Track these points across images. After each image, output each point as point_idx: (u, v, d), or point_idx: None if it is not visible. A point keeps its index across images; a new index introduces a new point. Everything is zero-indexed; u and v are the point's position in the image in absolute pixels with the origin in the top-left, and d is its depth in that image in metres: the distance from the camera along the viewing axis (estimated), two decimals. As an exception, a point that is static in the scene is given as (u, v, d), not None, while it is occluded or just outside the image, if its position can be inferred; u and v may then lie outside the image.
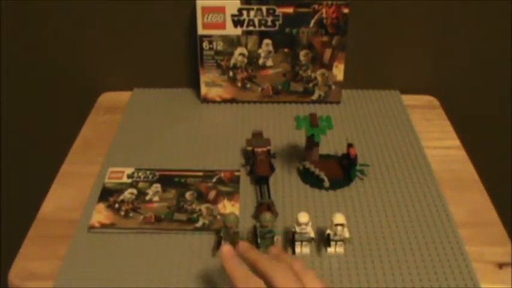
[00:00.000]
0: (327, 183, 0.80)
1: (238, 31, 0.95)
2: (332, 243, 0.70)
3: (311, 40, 0.96)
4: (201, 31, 0.95)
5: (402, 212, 0.77)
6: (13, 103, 1.11)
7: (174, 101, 1.04)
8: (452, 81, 1.08)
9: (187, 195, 0.79)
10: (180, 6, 0.98)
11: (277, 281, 0.50)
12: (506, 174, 1.18)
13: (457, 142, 0.94)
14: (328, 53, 0.97)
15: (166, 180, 0.82)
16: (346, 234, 0.70)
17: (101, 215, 0.75)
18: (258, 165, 0.82)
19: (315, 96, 1.01)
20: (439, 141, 0.94)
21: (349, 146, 0.83)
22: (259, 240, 0.68)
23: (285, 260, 0.55)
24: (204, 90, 1.01)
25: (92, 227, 0.74)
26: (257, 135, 0.89)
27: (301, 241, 0.70)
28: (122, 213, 0.76)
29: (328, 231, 0.69)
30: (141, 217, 0.75)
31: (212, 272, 0.67)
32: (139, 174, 0.83)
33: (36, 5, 0.99)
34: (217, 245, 0.69)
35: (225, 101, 1.02)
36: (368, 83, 1.07)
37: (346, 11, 0.94)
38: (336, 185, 0.81)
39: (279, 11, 0.94)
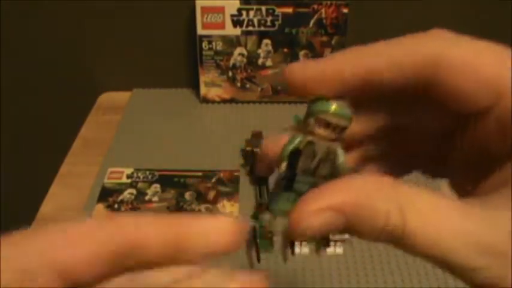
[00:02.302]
0: (326, 183, 0.80)
1: (237, 31, 0.95)
2: (331, 243, 0.70)
3: (310, 40, 0.96)
4: (200, 31, 0.96)
5: (402, 212, 0.77)
6: (13, 103, 1.11)
7: (174, 101, 1.04)
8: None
9: (187, 195, 0.79)
10: (179, 6, 0.98)
11: None
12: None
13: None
14: (327, 53, 0.97)
15: (166, 181, 0.82)
16: (346, 235, 0.70)
17: (100, 215, 0.75)
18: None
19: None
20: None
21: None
22: (258, 241, 0.68)
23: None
24: (203, 90, 1.01)
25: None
26: (256, 135, 0.89)
27: (301, 241, 0.70)
28: (121, 213, 0.76)
29: (328, 232, 0.69)
30: (141, 217, 0.75)
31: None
32: (139, 174, 0.83)
33: (36, 5, 0.99)
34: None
35: (224, 101, 1.02)
36: (368, 83, 1.07)
37: (345, 11, 0.94)
38: (335, 185, 0.81)
39: (279, 11, 0.94)
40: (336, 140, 0.27)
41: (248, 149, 0.85)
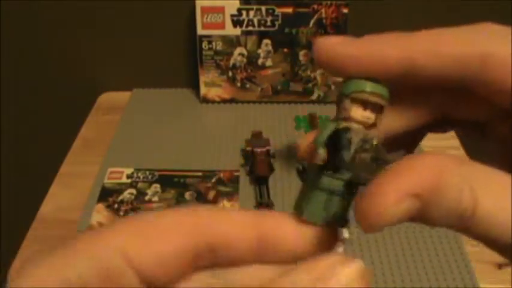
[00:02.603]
0: (326, 183, 0.80)
1: (237, 31, 0.95)
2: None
3: (310, 40, 0.96)
4: (200, 31, 0.96)
5: (402, 212, 0.77)
6: (13, 103, 1.11)
7: (174, 101, 1.03)
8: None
9: (187, 195, 0.79)
10: (179, 6, 0.98)
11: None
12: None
13: (457, 142, 0.94)
14: (327, 53, 0.97)
15: (166, 181, 0.82)
16: (346, 235, 0.70)
17: (100, 215, 0.75)
18: (258, 165, 0.82)
19: (314, 96, 1.01)
20: (439, 141, 0.94)
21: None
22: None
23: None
24: (203, 90, 1.01)
25: (91, 228, 0.74)
26: (256, 135, 0.89)
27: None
28: (121, 213, 0.76)
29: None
30: (141, 217, 0.75)
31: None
32: (139, 174, 0.83)
33: (36, 5, 0.99)
34: None
35: (224, 101, 1.02)
36: (368, 83, 1.07)
37: (345, 11, 0.94)
38: (335, 185, 0.81)
39: (278, 11, 0.94)
40: (372, 126, 0.24)
41: (248, 149, 0.85)
